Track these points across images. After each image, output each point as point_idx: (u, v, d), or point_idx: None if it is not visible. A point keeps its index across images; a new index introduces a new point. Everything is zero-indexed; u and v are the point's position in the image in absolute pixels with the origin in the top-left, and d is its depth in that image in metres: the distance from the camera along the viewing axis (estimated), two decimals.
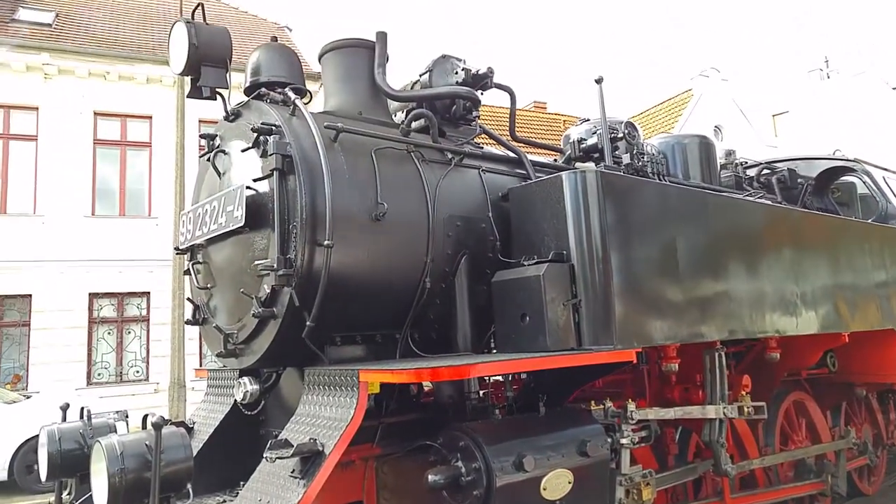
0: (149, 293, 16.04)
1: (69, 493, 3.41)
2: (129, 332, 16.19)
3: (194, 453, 3.57)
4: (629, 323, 3.67)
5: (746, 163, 7.02)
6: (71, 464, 3.22)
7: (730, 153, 6.77)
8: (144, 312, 16.27)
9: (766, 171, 6.80)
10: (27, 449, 8.85)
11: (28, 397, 10.69)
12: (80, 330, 15.32)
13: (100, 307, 15.85)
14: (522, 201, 3.94)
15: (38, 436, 3.39)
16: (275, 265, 3.14)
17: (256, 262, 3.25)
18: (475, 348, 3.83)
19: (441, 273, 3.76)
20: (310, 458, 2.86)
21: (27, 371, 14.74)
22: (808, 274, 5.03)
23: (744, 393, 4.58)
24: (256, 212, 3.33)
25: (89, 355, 15.48)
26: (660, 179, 5.04)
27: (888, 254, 6.02)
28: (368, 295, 3.50)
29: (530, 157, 4.57)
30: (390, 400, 3.59)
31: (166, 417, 3.91)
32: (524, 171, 4.35)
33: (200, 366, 15.40)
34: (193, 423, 3.94)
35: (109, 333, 15.96)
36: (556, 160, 5.17)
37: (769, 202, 5.79)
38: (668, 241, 4.05)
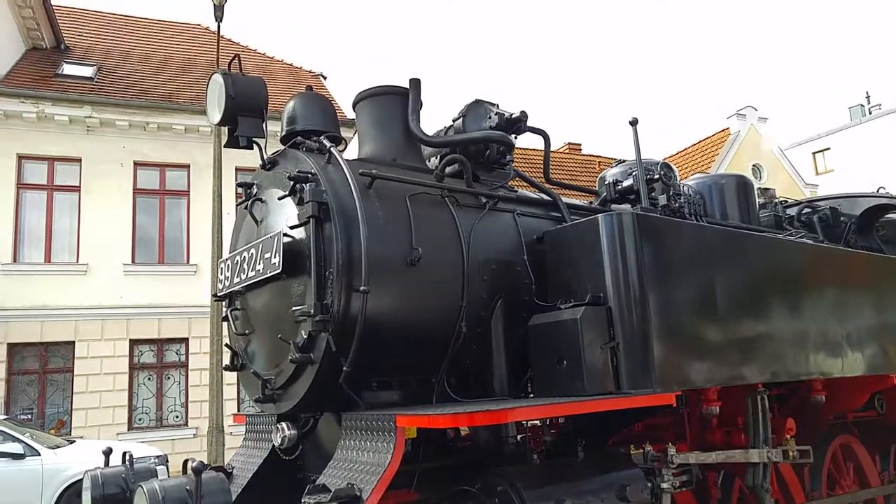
0: (187, 339, 16.31)
1: None
2: (169, 378, 16.43)
3: (233, 498, 3.65)
4: (668, 365, 3.62)
5: (786, 202, 6.94)
6: None
7: (769, 192, 6.72)
8: (183, 358, 16.53)
9: (806, 210, 6.71)
10: (71, 492, 8.98)
11: (71, 442, 10.87)
12: (122, 376, 15.60)
13: (140, 353, 16.16)
14: (558, 244, 3.95)
15: (81, 479, 3.45)
16: (312, 311, 3.19)
17: (294, 308, 3.31)
18: (512, 392, 3.80)
19: (476, 317, 3.76)
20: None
21: (70, 416, 15.01)
22: (853, 314, 4.92)
23: (788, 436, 4.45)
24: (293, 258, 3.40)
25: (130, 400, 15.71)
26: (697, 220, 5.01)
27: None
28: (404, 339, 3.53)
29: (565, 199, 4.60)
30: (427, 445, 3.57)
31: (205, 462, 3.95)
32: (559, 214, 4.38)
33: (238, 410, 15.51)
34: (233, 467, 3.96)
35: (149, 379, 16.22)
36: (591, 202, 5.19)
37: (810, 241, 5.69)
38: (707, 282, 4.02)
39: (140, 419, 15.86)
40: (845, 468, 5.74)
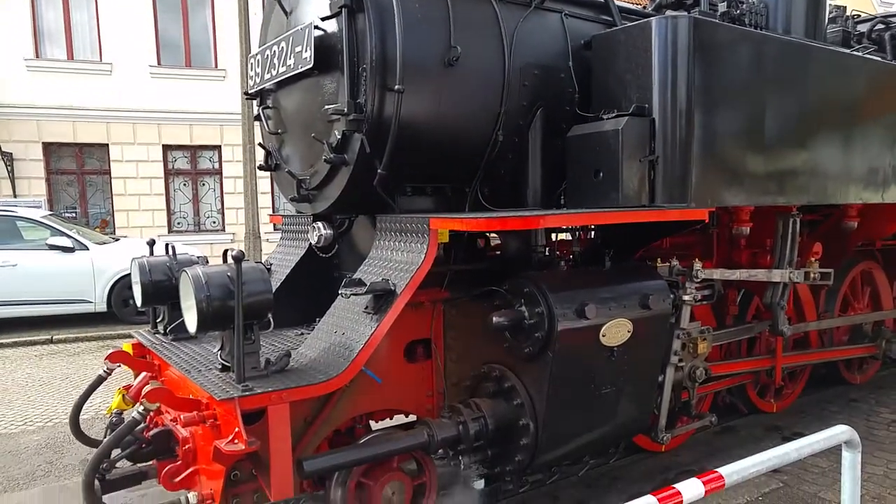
0: (219, 147, 16.46)
1: (161, 320, 3.75)
2: (203, 185, 16.85)
3: (273, 291, 3.87)
4: (705, 182, 3.57)
5: (859, 16, 6.34)
6: (161, 293, 3.48)
7: (840, 7, 6.12)
8: (216, 165, 16.81)
9: (879, 26, 6.10)
10: (122, 285, 9.66)
11: (116, 240, 11.48)
12: (158, 180, 16.04)
13: (174, 159, 16.43)
14: (606, 50, 3.73)
15: (129, 274, 3.66)
16: (345, 109, 3.13)
17: (326, 107, 3.24)
18: (545, 204, 3.82)
19: (515, 126, 3.67)
20: (382, 297, 3.01)
21: (112, 217, 15.72)
22: None
23: (812, 259, 4.49)
24: (325, 53, 3.26)
25: (168, 205, 16.30)
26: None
27: None
28: (440, 145, 3.48)
29: (618, 2, 4.26)
30: (459, 250, 3.67)
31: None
32: (610, 18, 4.06)
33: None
34: (270, 264, 4.16)
35: (185, 185, 16.66)
36: (645, 7, 4.81)
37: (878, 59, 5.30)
38: (759, 99, 3.83)
39: (179, 223, 16.56)
40: (861, 292, 5.90)
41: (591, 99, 3.78)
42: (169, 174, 16.35)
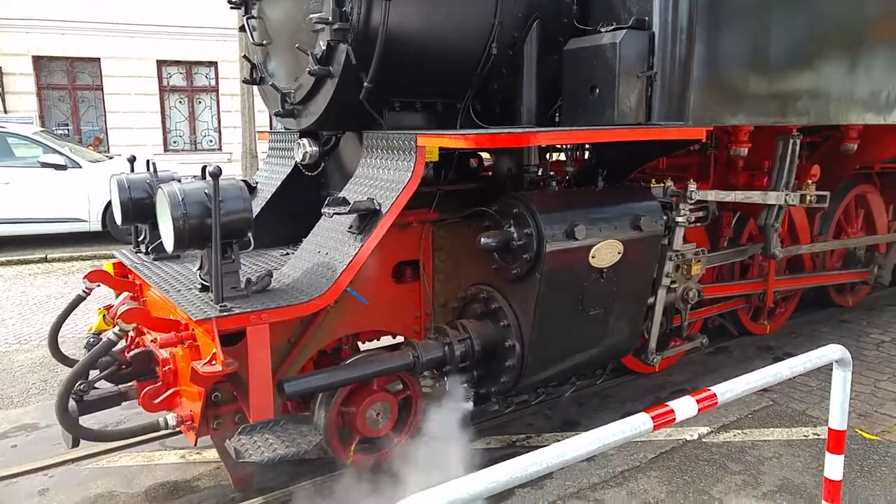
0: (216, 63, 16.01)
1: (143, 239, 3.70)
2: (200, 102, 16.52)
3: (257, 210, 3.81)
4: (704, 101, 3.45)
5: None
6: (141, 210, 3.39)
7: None
8: (213, 82, 16.40)
9: None
10: None
11: (111, 158, 11.32)
12: (152, 98, 15.69)
13: (168, 75, 16.02)
14: None
15: None
16: (329, 18, 2.97)
17: (311, 16, 3.08)
18: (539, 122, 3.70)
19: (509, 39, 3.50)
20: (367, 216, 2.95)
21: (106, 135, 15.49)
22: None
23: (809, 182, 4.41)
24: None
25: (163, 123, 16.02)
26: None
27: None
28: (430, 58, 3.33)
29: None
30: (449, 169, 3.59)
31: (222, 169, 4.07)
32: None
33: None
34: (256, 182, 4.08)
35: (181, 102, 16.32)
36: None
37: None
38: (763, 16, 3.65)
39: (175, 142, 16.34)
40: (856, 216, 5.85)
41: (591, 11, 3.59)
42: (164, 91, 16.00)
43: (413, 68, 3.30)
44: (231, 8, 3.81)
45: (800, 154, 4.38)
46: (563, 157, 4.23)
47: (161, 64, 15.76)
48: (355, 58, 3.07)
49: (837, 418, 2.76)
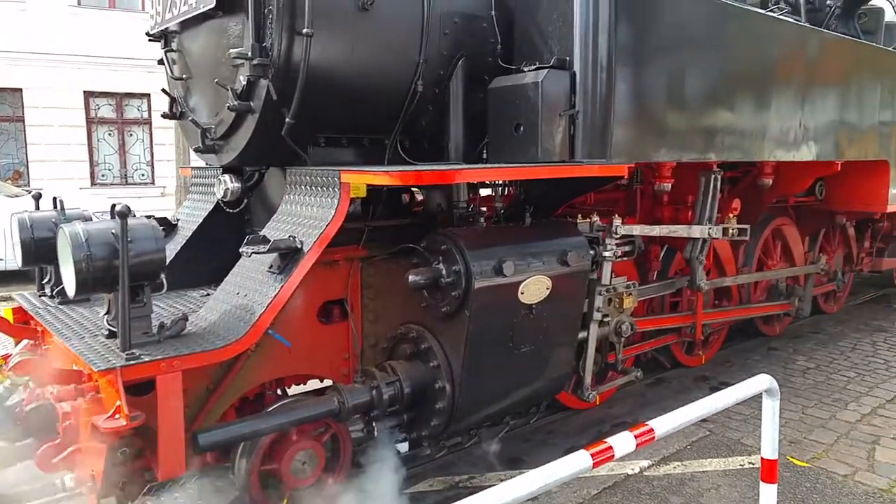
0: (149, 95, 15.56)
1: (48, 281, 3.45)
2: (132, 135, 16.00)
3: (177, 249, 3.66)
4: (626, 138, 3.53)
5: None
6: (45, 251, 3.15)
7: None
8: (146, 115, 15.94)
9: None
10: None
11: (30, 192, 10.78)
12: (79, 129, 15.12)
13: (97, 106, 15.49)
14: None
15: None
16: (248, 53, 2.91)
17: (231, 51, 3.00)
18: (467, 158, 3.70)
19: (435, 76, 3.51)
20: (288, 255, 2.85)
21: (27, 168, 14.78)
22: (814, 99, 4.83)
23: (731, 215, 4.56)
24: None
25: (91, 155, 15.42)
26: None
27: None
28: (354, 94, 3.29)
29: None
30: (378, 204, 3.54)
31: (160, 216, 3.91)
32: None
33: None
34: (178, 220, 3.92)
35: (110, 135, 15.77)
36: None
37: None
38: (680, 56, 3.80)
39: (103, 175, 15.73)
40: (774, 248, 6.11)
41: (515, 50, 3.64)
42: (91, 122, 15.43)
43: (337, 104, 3.25)
44: (149, 41, 3.69)
45: (721, 189, 4.53)
46: (492, 192, 4.25)
47: (89, 95, 15.24)
48: (277, 93, 3.00)
49: (769, 448, 2.85)
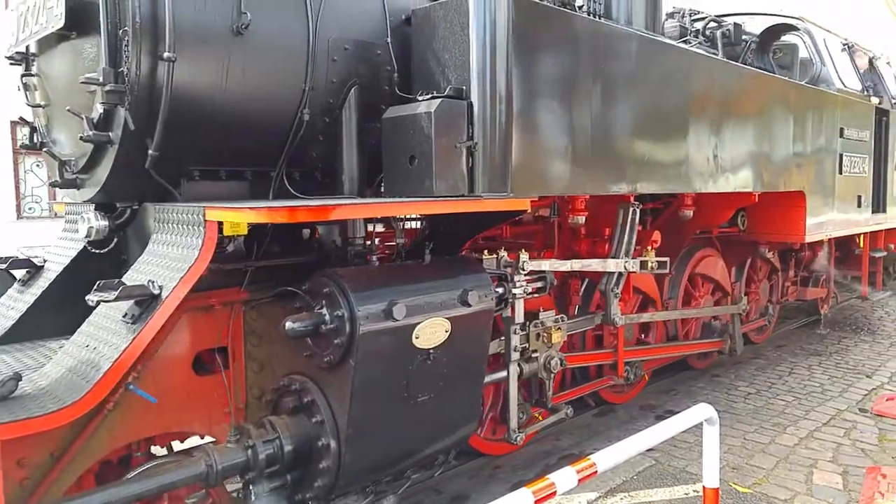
0: None
1: None
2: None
3: (39, 293, 3.30)
4: (529, 171, 3.36)
5: (697, 14, 6.47)
6: None
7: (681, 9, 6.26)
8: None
9: (712, 24, 6.27)
10: None
11: None
12: (3, 160, 14.36)
13: (24, 137, 14.78)
14: (425, 26, 3.40)
15: None
16: (101, 78, 2.62)
17: (82, 76, 2.71)
18: (362, 193, 3.46)
19: (324, 105, 3.28)
20: (146, 302, 2.55)
21: None
22: (730, 131, 4.81)
23: (649, 248, 4.44)
24: (83, 12, 2.74)
25: (17, 188, 14.65)
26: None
27: (810, 117, 5.85)
28: (230, 123, 3.02)
29: None
30: (272, 243, 3.26)
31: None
32: None
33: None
34: (45, 260, 3.55)
35: (38, 166, 15.04)
36: None
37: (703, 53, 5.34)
38: (584, 86, 3.66)
39: (30, 209, 14.93)
40: (701, 279, 6.02)
41: (412, 79, 3.45)
42: (18, 154, 14.69)
43: (211, 135, 2.98)
44: (11, 64, 3.36)
45: (642, 221, 4.40)
46: (388, 228, 4.04)
47: (15, 125, 14.52)
48: (138, 122, 2.71)
49: (711, 476, 2.87)
